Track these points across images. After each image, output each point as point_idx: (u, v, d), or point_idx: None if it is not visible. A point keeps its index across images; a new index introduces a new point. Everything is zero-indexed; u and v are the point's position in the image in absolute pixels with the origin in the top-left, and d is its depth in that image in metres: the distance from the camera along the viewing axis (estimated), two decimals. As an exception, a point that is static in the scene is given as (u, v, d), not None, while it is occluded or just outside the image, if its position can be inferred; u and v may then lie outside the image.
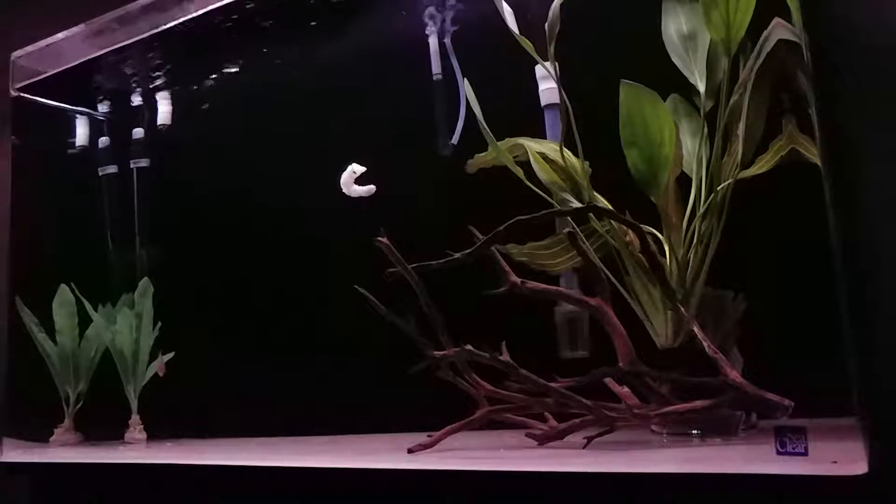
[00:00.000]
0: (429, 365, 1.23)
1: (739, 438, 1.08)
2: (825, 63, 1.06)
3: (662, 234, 1.19)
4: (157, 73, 1.98)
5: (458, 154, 1.51)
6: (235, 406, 1.76)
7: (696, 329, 1.05)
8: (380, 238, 1.25)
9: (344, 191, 1.46)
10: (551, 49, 1.21)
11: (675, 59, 1.21)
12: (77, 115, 2.15)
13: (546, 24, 1.20)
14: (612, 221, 1.20)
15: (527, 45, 1.25)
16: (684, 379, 1.07)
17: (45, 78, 2.01)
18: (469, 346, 1.19)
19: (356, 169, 1.46)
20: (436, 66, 1.61)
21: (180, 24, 1.74)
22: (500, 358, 1.16)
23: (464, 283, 1.14)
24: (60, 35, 1.93)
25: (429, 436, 1.23)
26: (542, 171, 1.27)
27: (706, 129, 1.18)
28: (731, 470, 0.91)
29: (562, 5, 1.19)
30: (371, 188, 1.48)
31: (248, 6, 1.70)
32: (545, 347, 1.36)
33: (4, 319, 1.98)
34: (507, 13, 1.29)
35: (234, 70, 1.92)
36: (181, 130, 2.02)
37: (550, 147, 1.28)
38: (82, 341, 1.95)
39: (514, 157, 1.31)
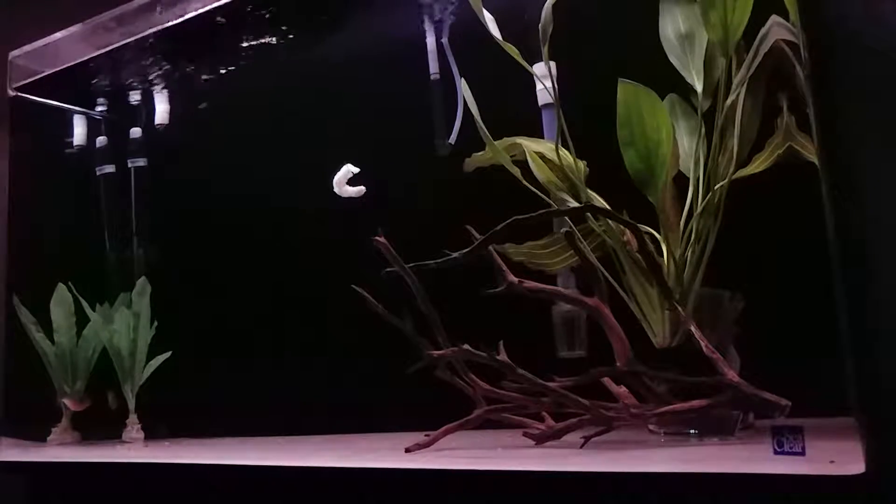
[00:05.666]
0: (426, 364, 1.23)
1: (737, 438, 1.08)
2: (823, 62, 1.06)
3: (660, 234, 1.19)
4: (155, 73, 1.98)
5: (456, 153, 1.51)
6: (233, 405, 1.76)
7: (693, 328, 1.05)
8: (377, 237, 1.25)
9: (335, 190, 1.47)
10: (545, 50, 1.21)
11: (672, 59, 1.21)
12: (75, 115, 2.15)
13: (539, 26, 1.20)
14: (609, 221, 1.20)
15: (512, 51, 1.25)
16: (681, 378, 1.07)
17: (42, 77, 2.01)
18: (467, 346, 1.19)
19: (352, 169, 1.46)
20: (433, 66, 1.61)
21: (178, 23, 1.74)
22: (498, 357, 1.16)
23: (461, 283, 1.14)
24: (58, 34, 1.93)
25: (426, 435, 1.23)
26: (540, 171, 1.27)
27: (703, 129, 1.17)
28: (728, 469, 0.91)
29: (555, 6, 1.19)
30: (361, 189, 1.48)
31: (246, 6, 1.70)
32: (543, 347, 1.36)
33: (2, 318, 1.98)
34: (489, 20, 1.29)
35: (232, 70, 1.92)
36: (179, 130, 2.02)
37: (548, 147, 1.28)
38: (80, 340, 1.95)
39: (512, 157, 1.30)
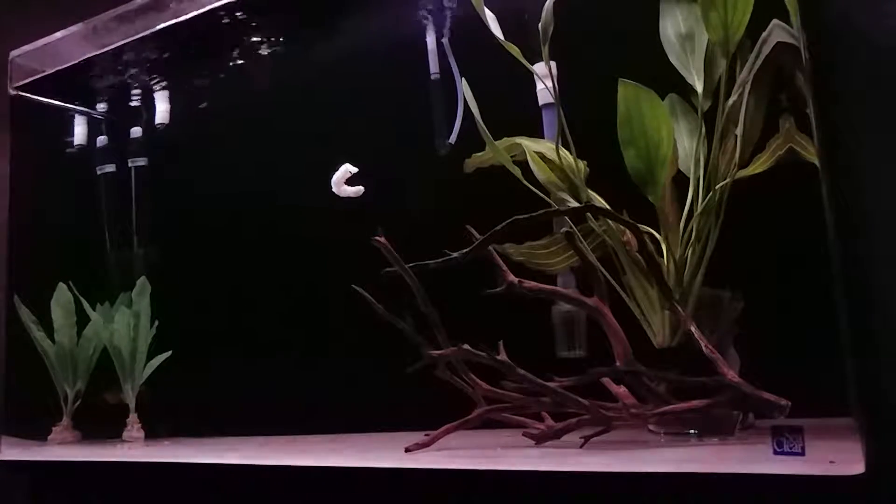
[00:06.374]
0: (426, 364, 1.23)
1: (736, 438, 1.08)
2: (823, 63, 1.06)
3: (660, 234, 1.19)
4: (156, 72, 1.98)
5: (456, 153, 1.51)
6: (233, 405, 1.76)
7: (693, 328, 1.05)
8: (377, 237, 1.25)
9: (333, 189, 1.47)
10: (545, 50, 1.21)
11: (672, 59, 1.21)
12: (75, 114, 2.15)
13: (539, 25, 1.20)
14: (609, 221, 1.20)
15: (513, 50, 1.25)
16: (681, 378, 1.07)
17: (43, 77, 2.01)
18: (466, 346, 1.19)
19: (350, 169, 1.47)
20: (434, 66, 1.61)
21: (178, 22, 1.74)
22: (498, 357, 1.16)
23: (461, 283, 1.14)
24: (59, 34, 1.93)
25: (426, 435, 1.23)
26: (540, 171, 1.27)
27: (704, 129, 1.17)
28: (727, 470, 0.91)
29: (555, 5, 1.19)
30: (360, 189, 1.48)
31: (246, 5, 1.70)
32: (542, 347, 1.36)
33: (2, 318, 1.98)
34: (491, 19, 1.29)
35: (232, 69, 1.92)
36: (179, 129, 2.02)
37: (548, 147, 1.28)
38: (80, 340, 1.95)
39: (512, 157, 1.31)
